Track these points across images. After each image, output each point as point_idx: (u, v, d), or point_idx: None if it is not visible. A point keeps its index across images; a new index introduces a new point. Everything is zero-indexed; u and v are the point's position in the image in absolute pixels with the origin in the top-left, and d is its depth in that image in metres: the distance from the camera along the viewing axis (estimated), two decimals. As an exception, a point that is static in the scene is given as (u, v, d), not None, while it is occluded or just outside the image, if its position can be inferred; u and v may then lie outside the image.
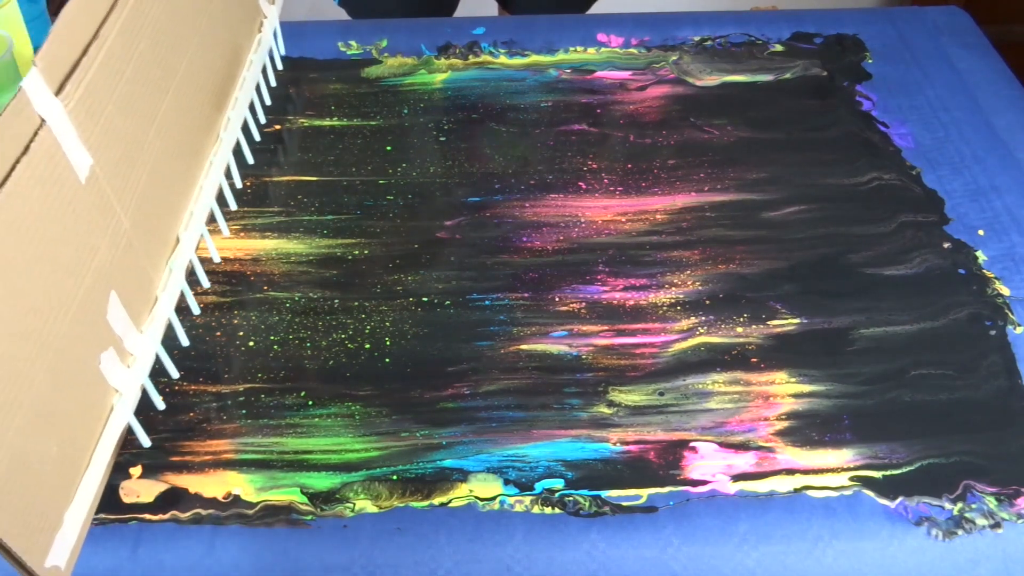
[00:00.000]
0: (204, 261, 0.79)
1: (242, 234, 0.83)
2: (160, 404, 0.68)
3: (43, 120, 0.55)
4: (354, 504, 0.64)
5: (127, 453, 0.66)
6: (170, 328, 0.71)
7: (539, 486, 0.65)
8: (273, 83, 0.97)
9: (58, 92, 0.57)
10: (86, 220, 0.59)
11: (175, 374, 0.70)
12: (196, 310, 0.75)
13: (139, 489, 0.65)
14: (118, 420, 0.62)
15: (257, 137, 0.91)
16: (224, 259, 0.80)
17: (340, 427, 0.69)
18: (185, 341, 0.72)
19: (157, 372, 0.70)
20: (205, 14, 0.79)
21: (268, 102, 0.95)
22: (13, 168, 0.52)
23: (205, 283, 0.77)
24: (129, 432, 0.65)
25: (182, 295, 0.74)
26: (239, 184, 0.86)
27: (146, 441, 0.66)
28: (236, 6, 0.88)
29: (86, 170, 0.59)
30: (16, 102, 0.53)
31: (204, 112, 0.78)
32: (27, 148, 0.53)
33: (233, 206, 0.84)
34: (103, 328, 0.60)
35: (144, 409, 0.68)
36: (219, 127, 0.82)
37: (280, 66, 0.99)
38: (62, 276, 0.56)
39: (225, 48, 0.84)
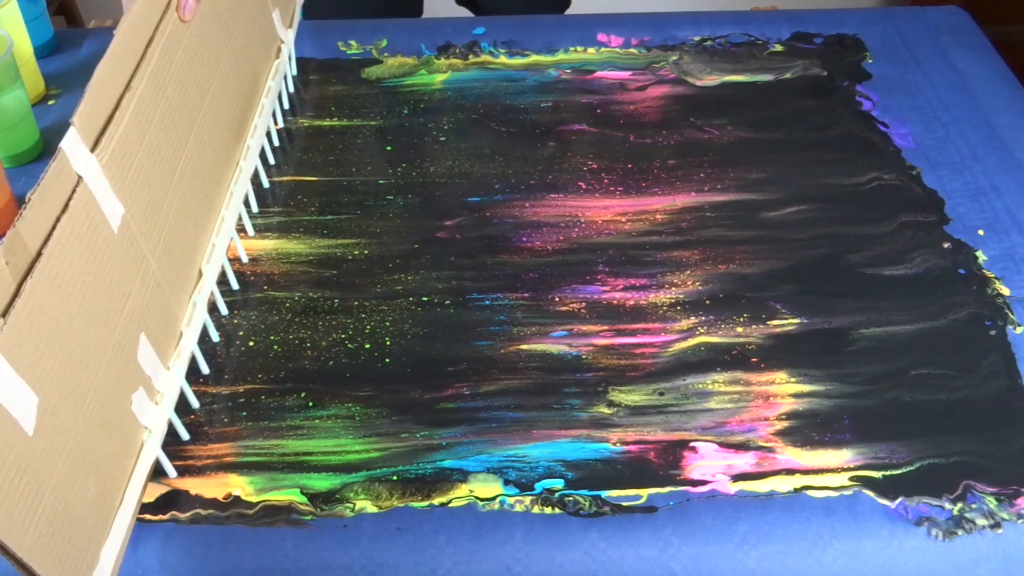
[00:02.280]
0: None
1: (242, 234, 0.83)
2: (185, 435, 0.68)
3: (80, 177, 0.56)
4: (354, 504, 0.64)
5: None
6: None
7: (539, 486, 0.65)
8: (287, 105, 0.96)
9: (93, 148, 0.58)
10: (119, 268, 0.60)
11: (195, 404, 0.70)
12: (216, 337, 0.75)
13: (139, 489, 0.65)
14: (148, 456, 0.63)
15: (272, 160, 0.91)
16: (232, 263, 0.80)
17: (340, 428, 0.68)
18: (206, 370, 0.72)
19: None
20: (227, 50, 0.79)
21: (280, 124, 0.95)
22: (54, 227, 0.53)
23: (224, 311, 0.77)
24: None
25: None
26: (255, 208, 0.86)
27: (172, 472, 0.66)
28: (256, 35, 0.88)
29: (119, 220, 0.60)
30: (56, 164, 0.54)
31: (225, 144, 0.79)
32: (66, 206, 0.55)
33: (251, 232, 0.83)
34: (134, 369, 0.62)
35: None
36: (238, 156, 0.82)
37: (292, 88, 0.99)
38: (99, 325, 0.57)
39: (245, 78, 0.84)
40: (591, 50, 1.03)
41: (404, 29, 1.06)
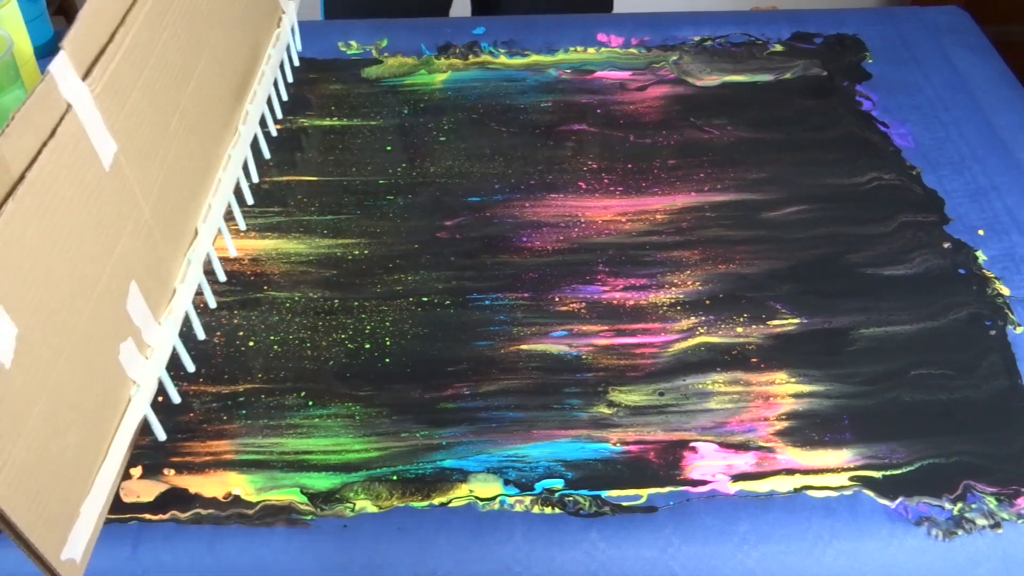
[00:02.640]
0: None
1: (242, 234, 0.83)
2: (176, 397, 0.67)
3: (69, 105, 0.55)
4: (354, 504, 0.64)
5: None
6: (186, 322, 0.71)
7: (539, 486, 0.65)
8: (290, 79, 0.97)
9: (84, 76, 0.57)
10: (109, 208, 0.58)
11: (191, 367, 0.70)
12: (213, 303, 0.74)
13: (139, 489, 0.65)
14: (135, 412, 0.61)
15: (273, 132, 0.91)
16: (224, 259, 0.80)
17: (340, 427, 0.68)
18: (202, 335, 0.72)
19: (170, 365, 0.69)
20: (226, 6, 0.79)
21: (285, 98, 0.95)
22: (39, 153, 0.51)
23: (222, 276, 0.77)
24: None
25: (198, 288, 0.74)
26: (255, 179, 0.86)
27: (161, 434, 0.65)
28: (258, 3, 0.88)
29: (110, 157, 0.58)
30: (43, 86, 0.52)
31: (224, 104, 0.78)
32: (53, 132, 0.53)
33: (250, 200, 0.83)
34: (123, 318, 0.60)
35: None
36: (238, 120, 0.81)
37: (297, 63, 0.99)
38: (85, 263, 0.55)
39: (245, 42, 0.84)
40: (591, 50, 1.03)
41: (404, 29, 1.06)
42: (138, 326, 0.62)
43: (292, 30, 0.98)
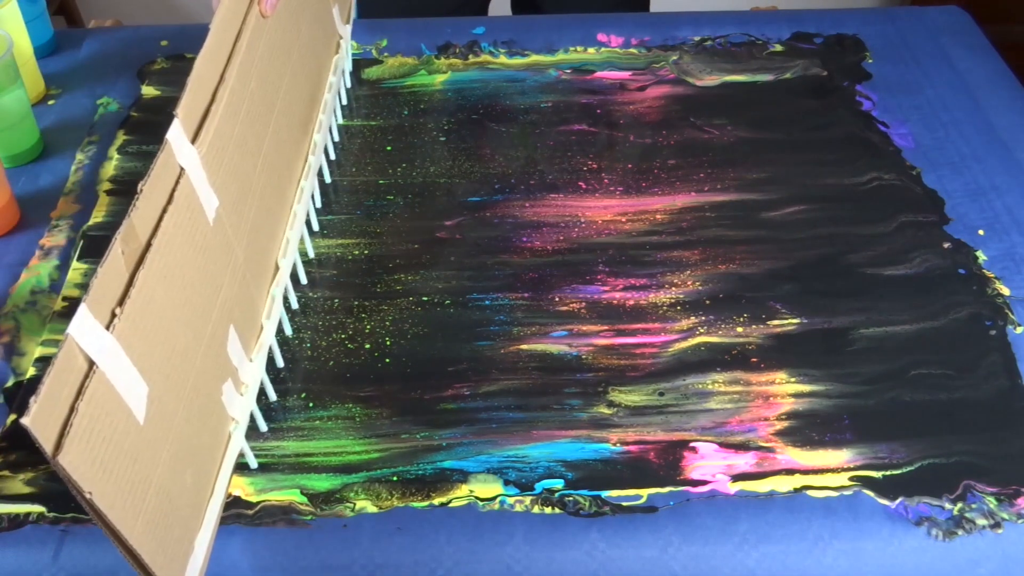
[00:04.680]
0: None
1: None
2: (264, 427, 0.68)
3: (183, 169, 0.57)
4: (354, 504, 0.64)
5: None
6: None
7: (539, 486, 0.65)
8: (344, 100, 0.96)
9: (193, 140, 0.59)
10: (213, 260, 0.60)
11: (273, 397, 0.70)
12: (289, 332, 0.75)
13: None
14: (235, 446, 0.63)
15: (333, 155, 0.91)
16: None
17: (340, 429, 0.68)
18: (280, 363, 0.73)
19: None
20: (297, 44, 0.80)
21: (340, 120, 0.95)
22: (161, 218, 0.54)
23: (295, 305, 0.77)
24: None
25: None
26: (319, 204, 0.86)
27: (254, 463, 0.67)
28: (319, 31, 0.88)
29: (213, 212, 0.60)
30: (163, 155, 0.55)
31: (295, 139, 0.79)
32: (171, 198, 0.55)
33: (316, 227, 0.83)
34: (224, 361, 0.62)
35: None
36: (306, 151, 0.82)
37: (349, 83, 0.99)
38: (197, 317, 0.58)
39: (311, 73, 0.84)
40: (591, 50, 1.03)
41: (404, 29, 1.05)
42: (235, 366, 0.64)
43: (347, 53, 0.98)
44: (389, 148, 0.92)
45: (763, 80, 0.99)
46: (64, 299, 0.77)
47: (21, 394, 0.70)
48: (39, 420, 0.43)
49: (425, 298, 0.78)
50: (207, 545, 0.58)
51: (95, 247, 0.81)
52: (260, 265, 0.70)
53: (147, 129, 0.93)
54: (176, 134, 0.56)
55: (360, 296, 0.78)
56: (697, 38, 1.04)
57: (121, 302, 0.49)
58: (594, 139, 0.92)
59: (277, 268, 0.73)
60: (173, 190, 0.55)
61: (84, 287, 0.78)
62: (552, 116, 0.95)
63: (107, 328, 0.48)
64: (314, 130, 0.84)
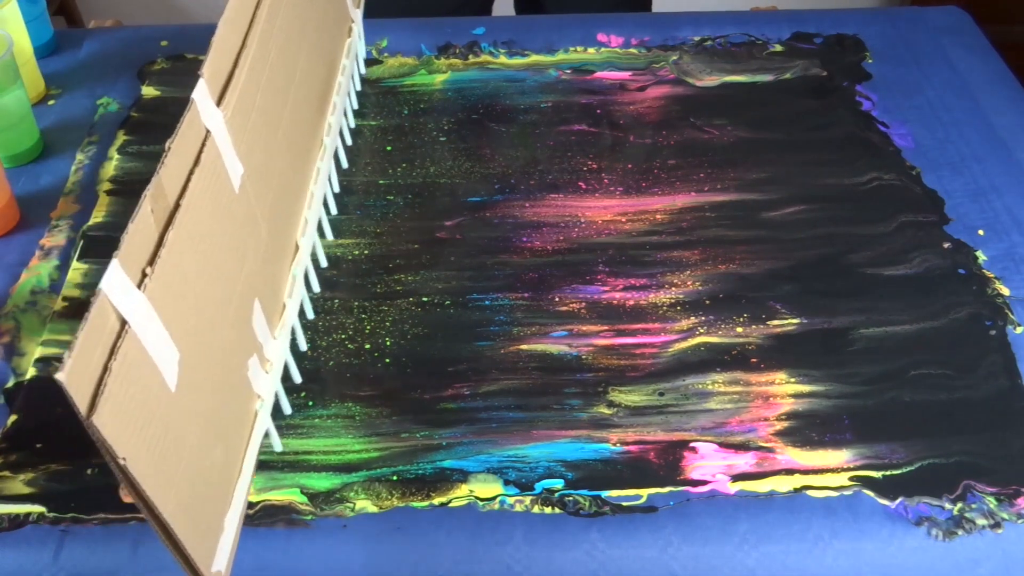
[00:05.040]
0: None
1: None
2: (288, 409, 0.68)
3: (208, 131, 0.56)
4: (354, 504, 0.64)
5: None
6: None
7: (539, 486, 0.65)
8: (359, 87, 0.97)
9: (218, 102, 0.58)
10: (238, 229, 0.60)
11: (298, 379, 0.70)
12: (311, 314, 0.75)
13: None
14: (261, 425, 0.63)
15: (348, 141, 0.91)
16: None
17: (340, 428, 0.68)
18: (304, 345, 0.72)
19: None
20: (312, 21, 0.80)
21: (356, 106, 0.95)
22: (188, 179, 0.53)
23: (316, 288, 0.77)
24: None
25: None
26: (337, 188, 0.86)
27: (279, 446, 0.66)
28: (332, 13, 0.88)
29: (239, 179, 0.60)
30: (190, 114, 0.54)
31: (312, 118, 0.79)
32: (198, 159, 0.54)
33: (334, 211, 0.83)
34: (249, 335, 0.61)
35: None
36: (322, 132, 0.82)
37: (364, 70, 0.99)
38: (223, 285, 0.57)
39: (325, 53, 0.84)
40: (591, 50, 1.03)
41: (404, 29, 1.05)
42: (260, 342, 0.63)
43: (359, 37, 0.98)
44: (389, 148, 0.92)
45: (763, 80, 0.99)
46: (64, 299, 0.77)
47: (22, 394, 0.70)
48: (73, 377, 0.41)
49: (425, 298, 0.78)
50: (236, 526, 0.57)
51: (95, 247, 0.81)
52: (281, 242, 0.69)
53: (147, 129, 0.93)
54: (201, 94, 0.55)
55: (360, 296, 0.78)
56: (697, 38, 1.04)
57: (151, 261, 0.48)
58: (594, 139, 0.92)
59: (297, 248, 0.73)
60: (200, 152, 0.54)
61: (84, 287, 0.78)
62: (552, 116, 0.95)
63: (138, 287, 0.47)
64: (329, 112, 0.84)
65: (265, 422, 0.63)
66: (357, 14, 0.96)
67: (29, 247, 0.82)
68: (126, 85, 0.99)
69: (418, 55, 1.03)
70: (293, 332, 0.71)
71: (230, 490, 0.58)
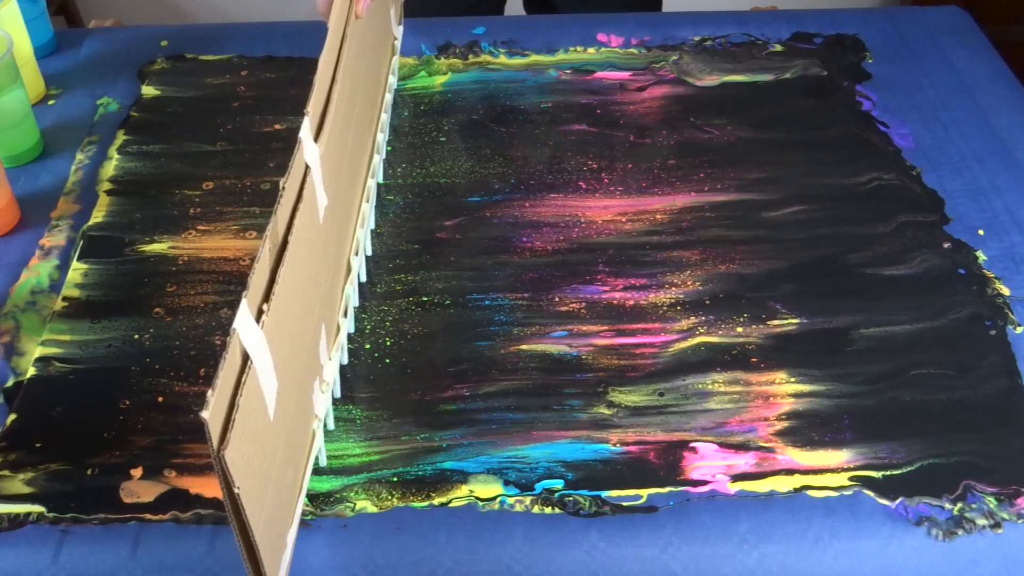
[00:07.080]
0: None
1: (241, 234, 0.83)
2: (332, 425, 0.68)
3: (308, 167, 0.58)
4: (354, 504, 0.64)
5: (127, 454, 0.66)
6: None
7: (539, 486, 0.65)
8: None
9: (315, 138, 0.60)
10: (319, 258, 0.61)
11: (337, 394, 0.71)
12: (351, 328, 0.75)
13: (139, 490, 0.65)
14: (318, 443, 0.64)
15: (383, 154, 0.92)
16: (224, 259, 0.80)
17: (341, 432, 0.68)
18: (344, 359, 0.72)
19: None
20: (369, 45, 0.81)
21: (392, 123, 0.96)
22: (293, 215, 0.55)
23: (355, 301, 0.77)
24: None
25: None
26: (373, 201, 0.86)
27: (324, 461, 0.66)
28: (381, 33, 0.89)
29: (323, 211, 0.61)
30: (298, 153, 0.56)
31: (363, 137, 0.80)
32: (300, 195, 0.56)
33: (372, 224, 0.83)
34: (316, 357, 0.63)
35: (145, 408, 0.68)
36: (371, 149, 0.83)
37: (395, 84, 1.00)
38: (306, 313, 0.58)
39: (373, 73, 0.85)
40: (591, 50, 1.03)
41: (405, 29, 1.05)
42: (321, 364, 0.64)
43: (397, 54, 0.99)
44: (390, 148, 0.92)
45: (763, 80, 0.99)
46: (64, 299, 0.77)
47: (22, 393, 0.70)
48: (214, 414, 0.43)
49: (425, 298, 0.78)
50: (293, 540, 0.58)
51: (95, 247, 0.81)
52: (338, 263, 0.70)
53: (147, 129, 0.93)
54: (306, 132, 0.57)
55: (360, 296, 0.77)
56: (697, 38, 1.04)
57: (266, 298, 0.50)
58: (594, 139, 0.92)
59: (349, 268, 0.74)
60: (301, 188, 0.56)
61: (84, 287, 0.78)
62: (552, 116, 0.95)
63: (256, 322, 0.48)
64: (376, 129, 0.85)
65: (320, 441, 0.64)
66: (399, 31, 0.97)
67: (29, 247, 0.82)
68: (126, 85, 0.99)
69: (418, 55, 1.03)
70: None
71: (292, 508, 0.59)
